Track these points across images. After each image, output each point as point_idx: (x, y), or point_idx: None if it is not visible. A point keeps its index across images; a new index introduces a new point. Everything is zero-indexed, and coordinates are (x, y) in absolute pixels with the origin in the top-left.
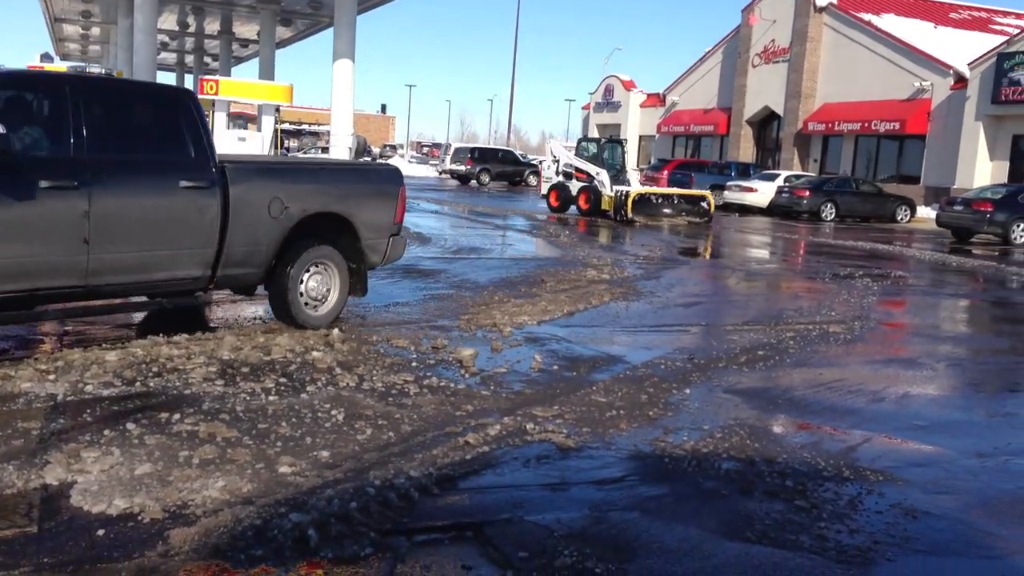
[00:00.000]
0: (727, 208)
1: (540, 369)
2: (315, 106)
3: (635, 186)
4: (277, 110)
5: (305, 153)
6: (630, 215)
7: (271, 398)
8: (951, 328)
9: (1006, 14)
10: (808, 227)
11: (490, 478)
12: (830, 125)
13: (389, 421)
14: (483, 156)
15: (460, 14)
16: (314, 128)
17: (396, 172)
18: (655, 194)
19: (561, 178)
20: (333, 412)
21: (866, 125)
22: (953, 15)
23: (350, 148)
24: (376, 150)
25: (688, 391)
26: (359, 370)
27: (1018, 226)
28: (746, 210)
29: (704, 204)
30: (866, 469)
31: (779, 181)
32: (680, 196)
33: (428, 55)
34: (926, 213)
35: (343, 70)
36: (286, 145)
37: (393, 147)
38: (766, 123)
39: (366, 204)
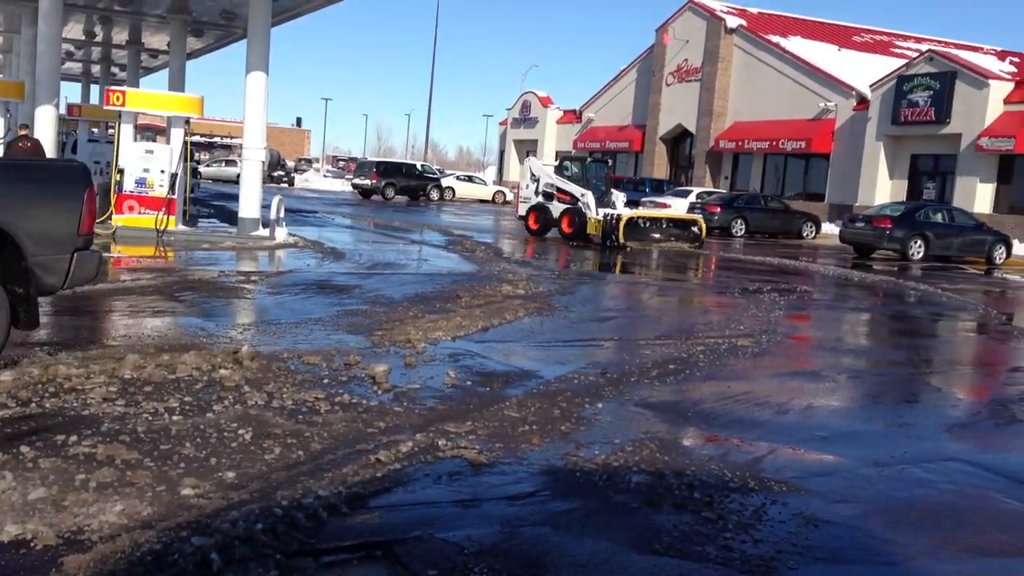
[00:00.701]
0: None
1: (454, 385)
2: (228, 118)
3: (621, 209)
4: (187, 122)
5: (208, 166)
6: (622, 240)
7: (175, 418)
8: (852, 341)
9: (906, 38)
10: (719, 242)
11: (401, 496)
12: (740, 143)
13: (299, 439)
14: (388, 170)
15: (377, 28)
16: (226, 141)
17: (79, 170)
18: (644, 218)
19: (541, 199)
20: (240, 431)
21: (774, 144)
22: (856, 38)
23: (263, 162)
24: (291, 164)
25: (600, 405)
26: (268, 388)
27: (915, 242)
28: None
29: (695, 229)
30: (770, 480)
31: (692, 197)
32: (670, 220)
33: (344, 69)
34: (830, 229)
35: (256, 82)
36: (196, 158)
37: (308, 161)
38: (679, 140)
39: (33, 210)
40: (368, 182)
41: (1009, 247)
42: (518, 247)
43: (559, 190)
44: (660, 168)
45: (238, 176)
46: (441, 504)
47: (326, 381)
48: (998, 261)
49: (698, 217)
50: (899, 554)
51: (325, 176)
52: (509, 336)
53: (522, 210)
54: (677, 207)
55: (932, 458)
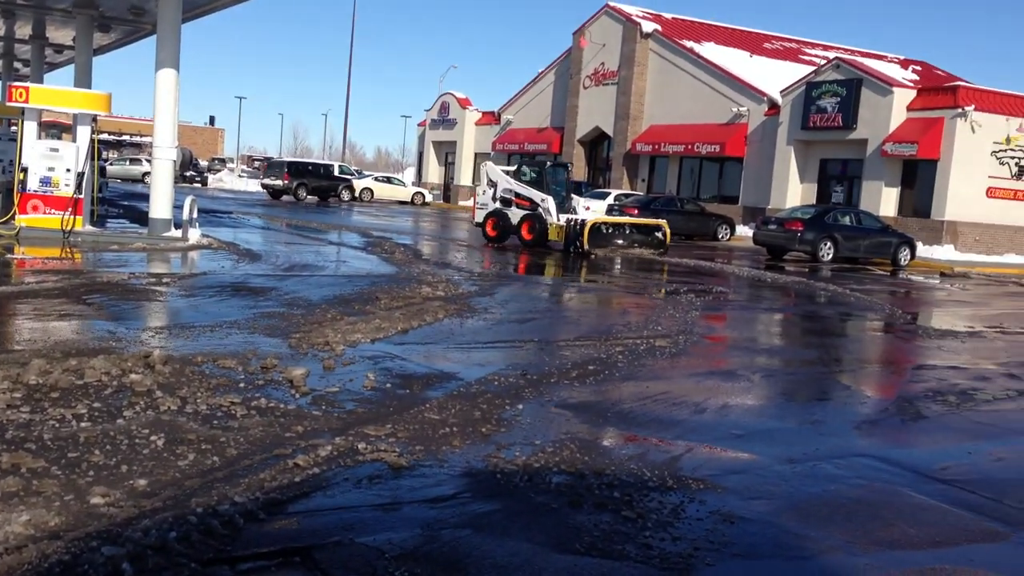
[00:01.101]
0: None
1: (373, 388)
2: (137, 116)
3: (584, 214)
4: (94, 120)
5: (111, 164)
6: (586, 247)
7: (83, 425)
8: (766, 341)
9: (814, 45)
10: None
11: (320, 500)
12: (656, 146)
13: (214, 445)
14: (300, 171)
15: (293, 26)
16: (136, 139)
17: None
18: (606, 224)
19: (499, 205)
20: (152, 438)
21: (689, 147)
22: (767, 45)
23: (174, 161)
24: (204, 163)
25: (521, 407)
26: (182, 392)
27: (825, 244)
28: None
29: (659, 234)
30: (688, 478)
31: (609, 200)
32: (632, 226)
33: (259, 67)
34: (744, 232)
35: (166, 80)
36: (104, 156)
37: (222, 160)
38: (597, 143)
39: None
40: (279, 182)
41: (913, 249)
42: (438, 249)
43: (517, 195)
44: (578, 170)
45: (144, 175)
46: (361, 508)
47: (242, 385)
48: (903, 262)
49: (662, 222)
50: (812, 548)
51: (240, 176)
52: (429, 338)
53: (479, 216)
54: (596, 209)
55: (843, 454)
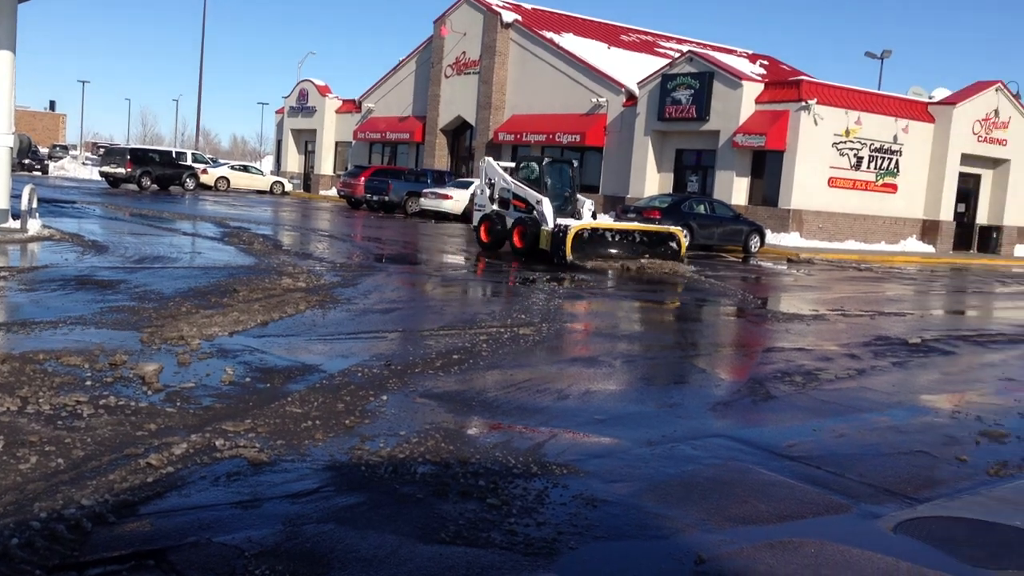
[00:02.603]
0: (423, 215)
1: (232, 382)
2: None
3: (586, 218)
4: None
5: None
6: (569, 257)
7: None
8: (626, 327)
9: (669, 39)
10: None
11: (175, 500)
12: (519, 136)
13: (58, 446)
14: (142, 158)
15: (139, 6)
16: None
17: None
18: (609, 230)
19: (496, 207)
20: None
21: (551, 137)
22: (624, 37)
23: (11, 148)
24: (44, 150)
25: (385, 398)
26: (22, 392)
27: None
28: (442, 217)
29: (673, 244)
30: (552, 464)
31: (473, 189)
32: (640, 233)
33: (104, 49)
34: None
35: (1, 62)
36: None
37: (64, 148)
38: (460, 132)
39: None
40: (121, 170)
41: (763, 236)
42: (300, 240)
43: (515, 196)
44: (441, 159)
45: None
46: (219, 507)
47: (89, 383)
48: (753, 249)
49: (676, 230)
50: (670, 527)
51: (84, 164)
52: (290, 330)
53: (476, 219)
54: (459, 199)
55: (698, 435)
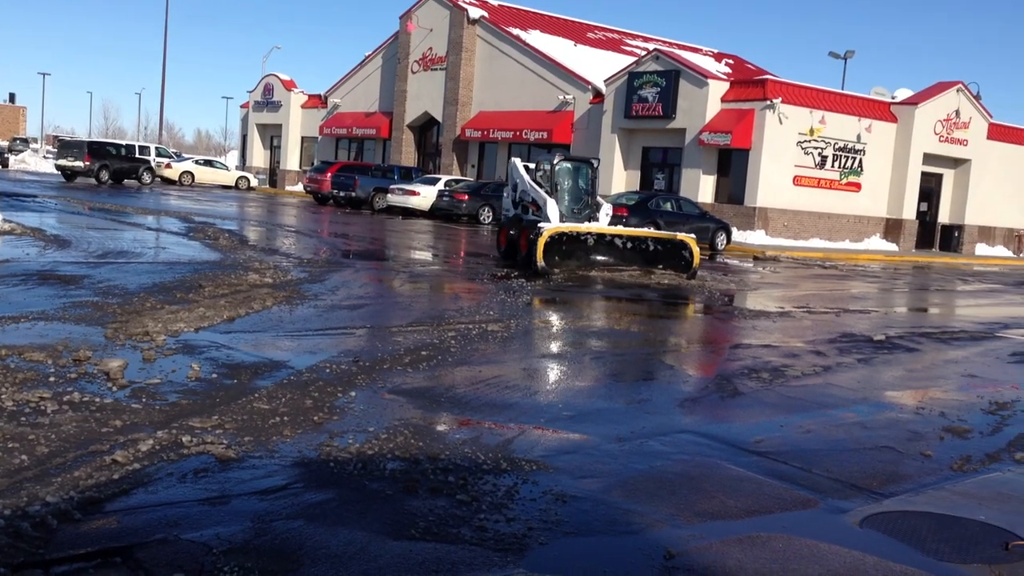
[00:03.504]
0: (391, 211)
1: (198, 378)
2: None
3: (603, 223)
4: None
5: None
6: (540, 263)
7: None
8: (596, 324)
9: (635, 37)
10: (468, 229)
11: (142, 497)
12: (486, 132)
13: (22, 443)
14: (100, 152)
15: None
16: None
17: None
18: (600, 235)
19: (518, 211)
20: None
21: (518, 134)
22: (590, 35)
23: None
24: (4, 144)
25: (354, 394)
26: None
27: (650, 228)
28: (409, 213)
29: (686, 254)
30: (521, 460)
31: (440, 185)
32: (638, 239)
33: (65, 41)
34: None
35: None
36: None
37: (25, 140)
38: (426, 128)
39: None
40: (80, 163)
41: (729, 234)
42: (266, 235)
43: (531, 200)
44: (408, 156)
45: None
46: (187, 504)
47: (52, 379)
48: (720, 247)
49: (686, 237)
50: (639, 522)
51: (45, 158)
52: (257, 326)
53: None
54: (426, 195)
55: (667, 431)
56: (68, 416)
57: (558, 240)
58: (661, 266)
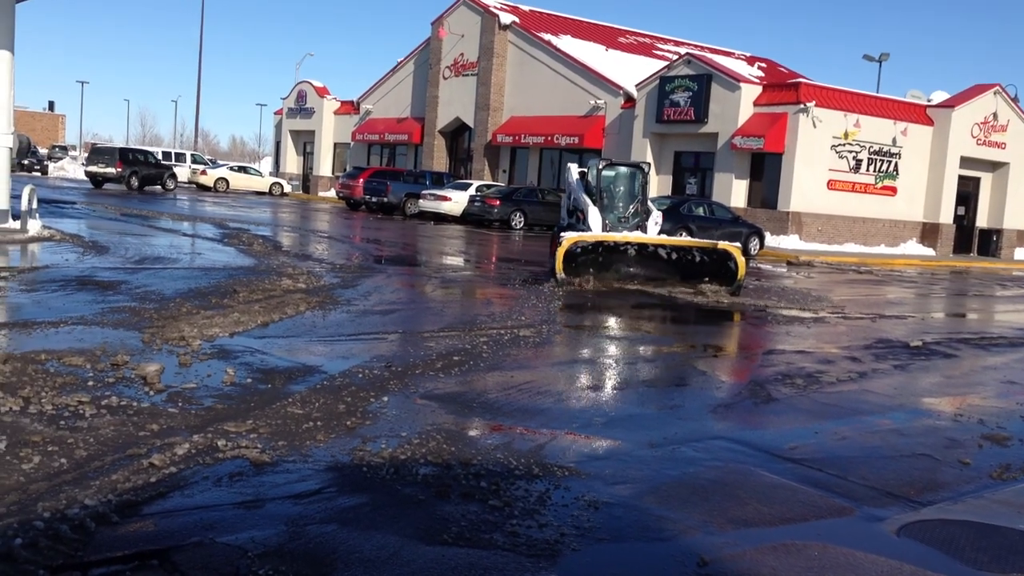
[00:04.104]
0: (422, 216)
1: (233, 383)
2: None
3: (652, 232)
4: None
5: None
6: (560, 274)
7: None
8: (628, 330)
9: (666, 41)
10: (499, 235)
11: (178, 500)
12: (517, 137)
13: (61, 447)
14: (130, 159)
15: (138, 7)
16: None
17: None
18: (631, 244)
19: (572, 219)
20: None
21: (549, 139)
22: (622, 39)
23: (11, 148)
24: (44, 151)
25: (386, 399)
26: (24, 392)
27: (681, 234)
28: (441, 218)
29: (732, 265)
30: (553, 465)
31: (471, 191)
32: (678, 248)
33: (103, 50)
34: None
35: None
36: None
37: (64, 148)
38: (458, 134)
39: None
40: (111, 170)
41: (762, 239)
42: (299, 241)
43: (581, 207)
44: (440, 161)
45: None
46: (222, 507)
47: (91, 383)
48: (753, 252)
49: (729, 246)
50: (672, 529)
51: (83, 165)
52: (290, 331)
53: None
54: (457, 200)
55: (700, 437)
56: (106, 420)
57: (588, 249)
58: (707, 279)
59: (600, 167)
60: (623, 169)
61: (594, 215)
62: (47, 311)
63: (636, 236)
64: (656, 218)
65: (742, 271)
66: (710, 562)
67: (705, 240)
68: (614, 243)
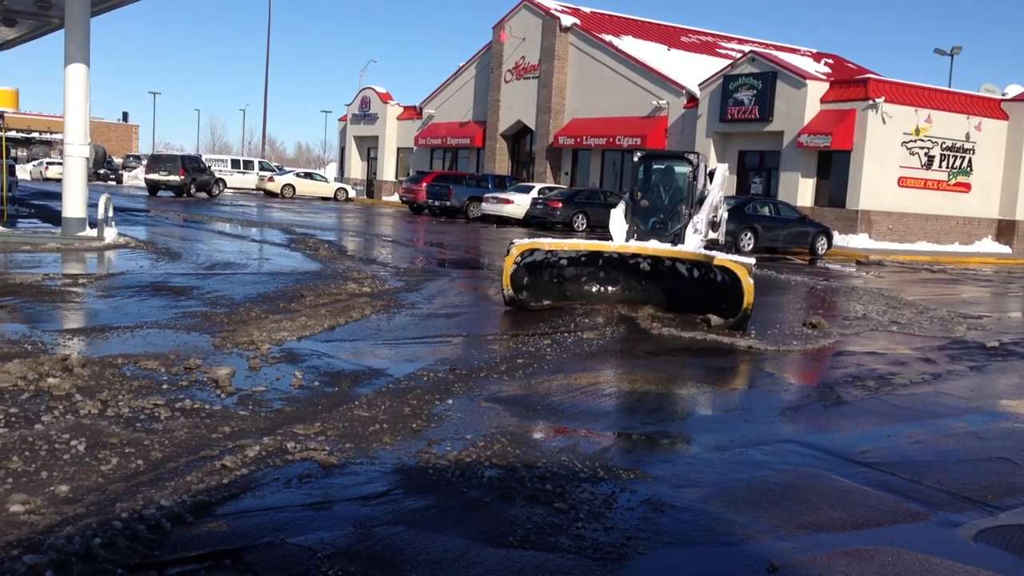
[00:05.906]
0: (485, 220)
1: (301, 386)
2: (47, 113)
3: (691, 241)
4: (1, 117)
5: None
6: (507, 292)
7: (0, 431)
8: (692, 331)
9: (730, 39)
10: (562, 238)
11: (249, 502)
12: (579, 139)
13: (137, 448)
14: (190, 166)
15: (207, 20)
16: (46, 136)
17: None
18: (588, 253)
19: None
20: (73, 442)
21: (611, 140)
22: (684, 39)
23: (87, 158)
24: (118, 160)
25: (451, 402)
26: (102, 395)
27: (746, 235)
28: (503, 221)
29: (738, 292)
30: (618, 468)
31: (534, 193)
32: (650, 260)
33: (174, 61)
34: None
35: (76, 75)
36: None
37: (137, 157)
38: (520, 136)
39: None
40: (175, 177)
41: (830, 238)
42: (363, 245)
43: None
44: (502, 164)
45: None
46: (292, 508)
47: (165, 387)
48: (820, 252)
49: (734, 264)
50: (740, 533)
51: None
52: (356, 335)
53: None
54: (520, 203)
55: (768, 440)
56: (180, 422)
57: (526, 260)
58: (711, 310)
59: (635, 160)
60: (660, 163)
61: (615, 218)
62: (123, 316)
63: (591, 244)
64: (701, 223)
65: (748, 298)
66: (780, 567)
67: (700, 252)
68: (574, 252)
